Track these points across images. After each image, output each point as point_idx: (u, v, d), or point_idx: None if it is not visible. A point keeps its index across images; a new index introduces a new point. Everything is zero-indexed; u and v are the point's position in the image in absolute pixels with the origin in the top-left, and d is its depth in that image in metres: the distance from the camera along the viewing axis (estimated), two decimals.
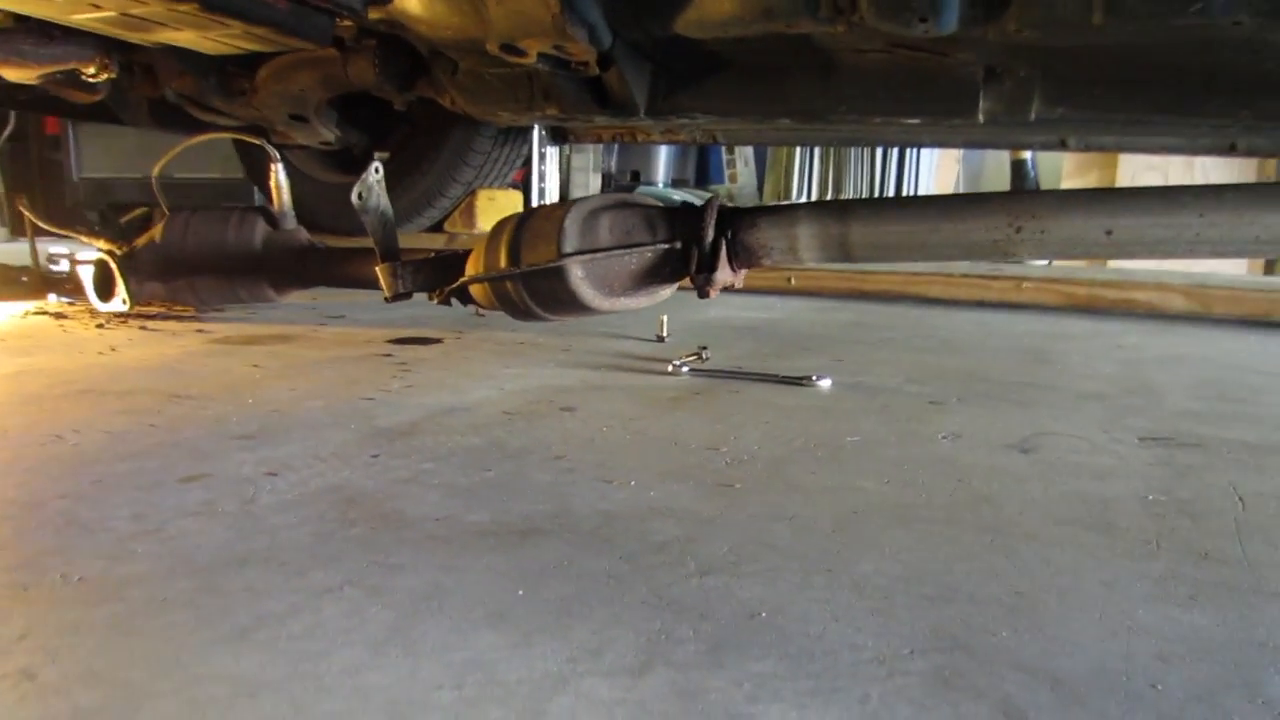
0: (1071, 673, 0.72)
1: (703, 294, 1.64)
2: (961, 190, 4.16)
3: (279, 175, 2.76)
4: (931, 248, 1.54)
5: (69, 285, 2.99)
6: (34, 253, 3.30)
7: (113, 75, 2.73)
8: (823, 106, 2.49)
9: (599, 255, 1.64)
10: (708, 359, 2.05)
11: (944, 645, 0.76)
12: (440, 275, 1.97)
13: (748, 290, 3.28)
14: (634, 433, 1.45)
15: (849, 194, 4.27)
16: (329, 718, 0.66)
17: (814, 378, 1.86)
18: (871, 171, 4.20)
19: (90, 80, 2.75)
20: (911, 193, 4.20)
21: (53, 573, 0.89)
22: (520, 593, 0.86)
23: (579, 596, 0.85)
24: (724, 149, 4.79)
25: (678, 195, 4.62)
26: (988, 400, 1.75)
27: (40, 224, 3.08)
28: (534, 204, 4.69)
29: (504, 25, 2.20)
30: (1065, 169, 4.37)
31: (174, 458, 1.27)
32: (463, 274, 1.89)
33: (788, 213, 1.63)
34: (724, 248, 1.63)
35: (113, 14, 2.17)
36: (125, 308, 2.57)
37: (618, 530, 1.02)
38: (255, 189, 5.02)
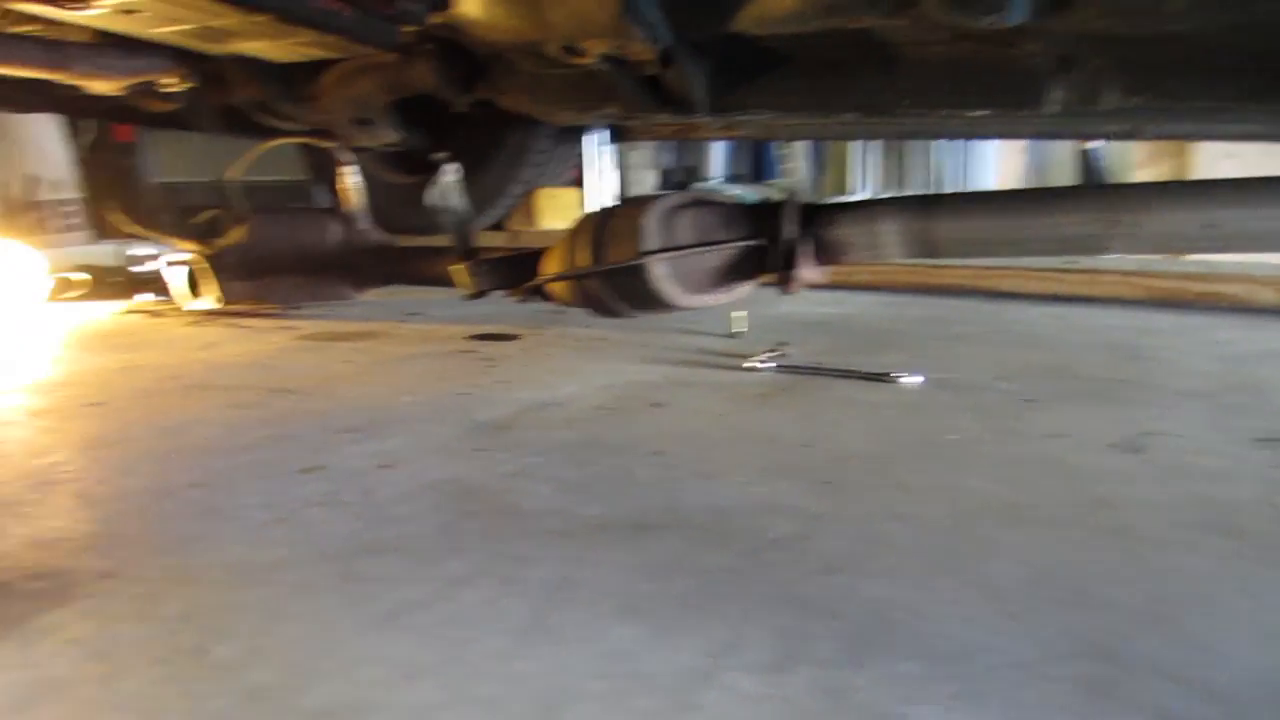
0: (1229, 685, 0.72)
1: (785, 290, 1.65)
2: (1028, 181, 4.10)
3: (352, 178, 2.83)
4: (1021, 243, 1.53)
5: (159, 285, 3.09)
6: (126, 255, 3.41)
7: (192, 86, 2.81)
8: (885, 100, 2.46)
9: (680, 253, 1.66)
10: (789, 355, 2.05)
11: (1086, 652, 0.77)
12: (518, 272, 2.01)
13: (822, 285, 3.27)
14: (727, 429, 1.47)
15: (910, 188, 4.23)
16: (485, 702, 0.68)
17: (899, 374, 1.85)
18: (927, 165, 4.16)
19: (169, 91, 2.83)
20: (975, 185, 4.14)
21: (201, 558, 0.93)
22: (648, 586, 0.88)
23: (706, 591, 0.87)
24: (779, 144, 4.77)
25: (734, 190, 4.61)
26: (1083, 398, 1.73)
27: (129, 229, 3.19)
28: (592, 201, 4.72)
29: (564, 27, 2.22)
30: (1137, 158, 4.28)
31: (289, 450, 1.32)
32: (539, 271, 1.93)
33: (869, 208, 1.63)
34: (804, 245, 1.64)
35: (193, 27, 2.24)
36: (214, 306, 2.66)
37: (731, 526, 1.04)
38: (316, 189, 5.12)
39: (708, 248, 1.69)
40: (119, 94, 2.82)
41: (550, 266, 1.88)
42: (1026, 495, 1.16)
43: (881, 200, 1.67)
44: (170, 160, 6.08)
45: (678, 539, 1.00)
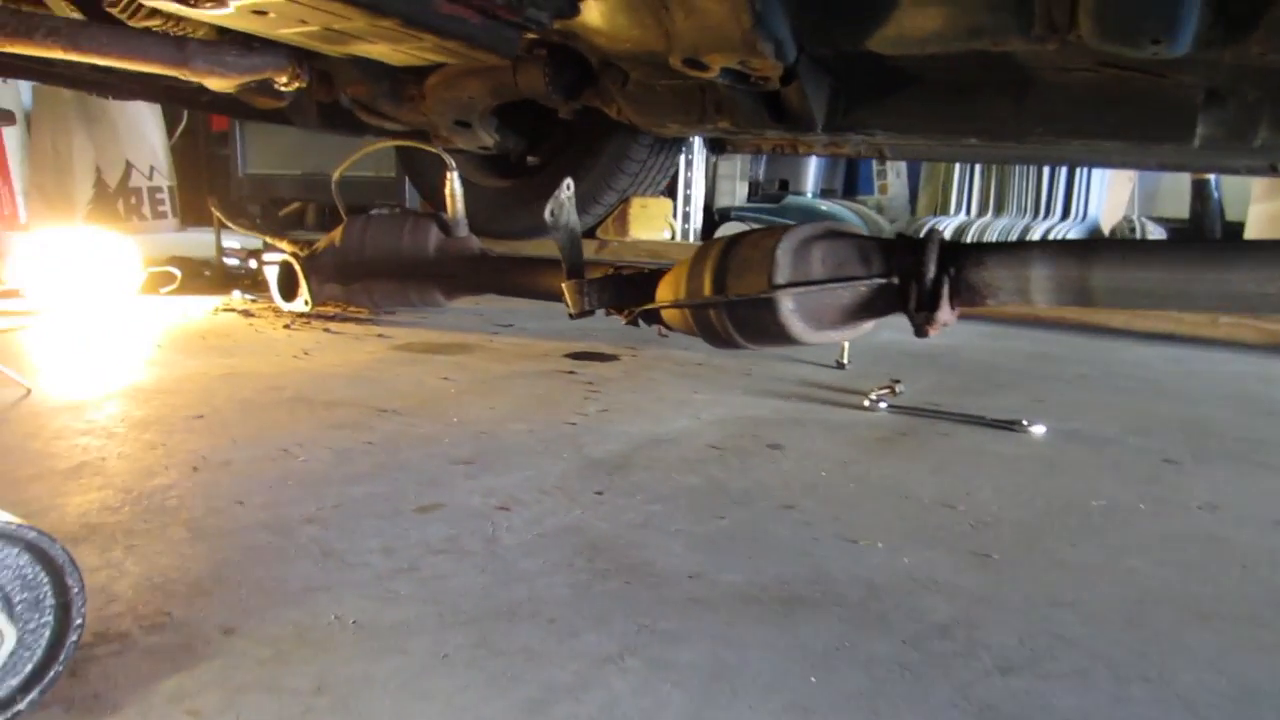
0: None
1: (920, 333, 1.55)
2: (1137, 209, 3.92)
3: (454, 183, 2.79)
4: (1188, 297, 1.41)
5: (254, 283, 3.10)
6: (219, 248, 3.43)
7: (303, 84, 2.81)
8: (1015, 126, 2.35)
9: (812, 288, 1.58)
10: (902, 393, 1.96)
11: None
12: (628, 294, 1.94)
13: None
14: (855, 479, 1.38)
15: (1011, 210, 4.07)
16: None
17: (1025, 422, 1.74)
18: (1038, 190, 3.99)
19: (281, 89, 2.84)
20: (1081, 214, 3.97)
21: (326, 614, 0.88)
22: (813, 680, 0.80)
23: (879, 691, 0.79)
24: (875, 160, 4.64)
25: (824, 205, 4.50)
26: (1228, 461, 1.60)
27: (227, 222, 3.20)
28: (679, 211, 4.66)
29: (690, 39, 2.15)
30: (1254, 191, 4.06)
31: (402, 483, 1.27)
32: (652, 295, 1.86)
33: (1020, 252, 1.53)
34: (946, 285, 1.54)
35: (317, 29, 2.22)
36: (306, 308, 2.65)
37: (888, 605, 0.95)
38: (407, 186, 5.14)
39: (841, 283, 1.60)
40: (233, 90, 2.84)
41: (666, 291, 1.81)
42: (1199, 584, 1.06)
43: (1036, 244, 1.56)
44: (264, 153, 6.18)
45: (833, 619, 0.92)
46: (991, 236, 3.96)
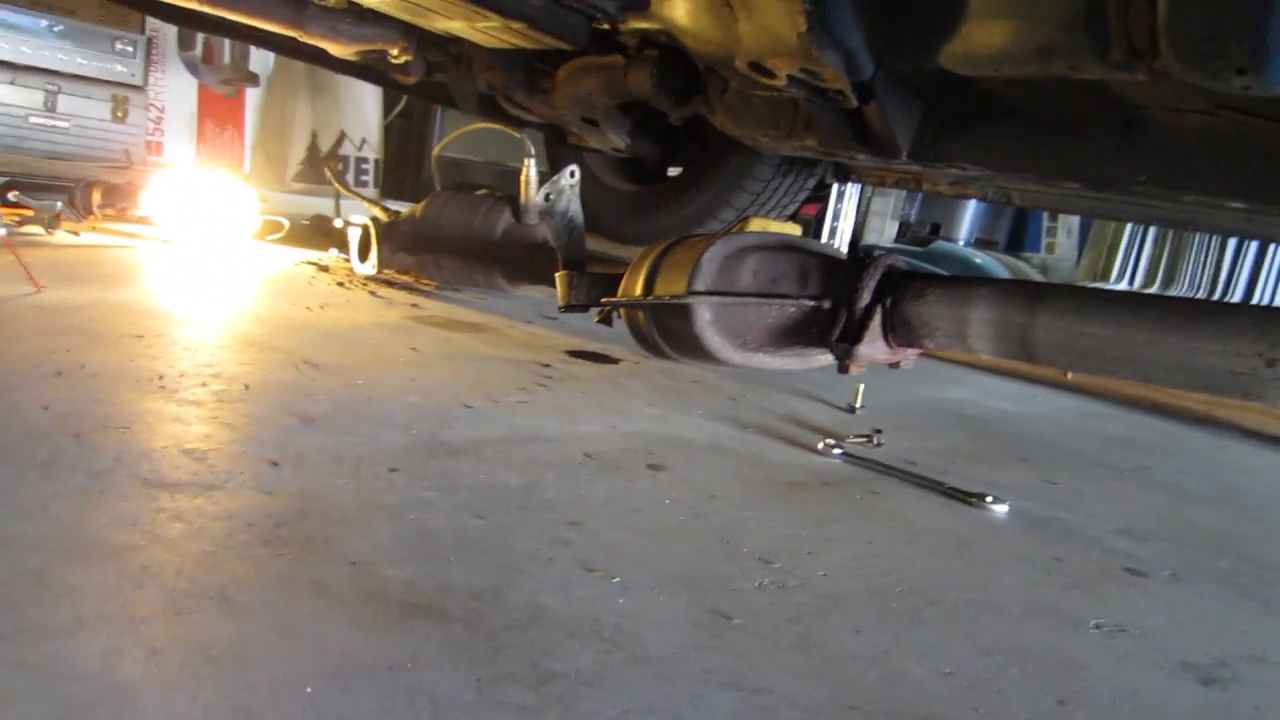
0: None
1: (841, 368, 1.36)
2: None
3: (530, 170, 2.79)
4: (1140, 364, 1.14)
5: (340, 243, 3.25)
6: (337, 209, 3.63)
7: (410, 58, 2.91)
8: (1116, 173, 2.05)
9: (730, 300, 1.42)
10: (880, 445, 1.73)
11: None
12: (613, 292, 1.85)
13: (1014, 374, 2.83)
14: (695, 515, 1.22)
15: (1182, 284, 3.56)
16: None
17: (990, 499, 1.49)
18: (1218, 265, 3.47)
19: (395, 61, 2.95)
20: (1268, 298, 3.41)
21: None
22: (309, 690, 0.69)
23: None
24: (1046, 215, 4.21)
25: (979, 259, 4.14)
26: (1214, 583, 1.29)
27: (338, 184, 3.38)
28: (821, 239, 4.45)
29: (752, 42, 2.03)
30: None
31: (218, 424, 1.25)
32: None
33: (967, 287, 1.31)
34: (879, 317, 1.34)
35: None
36: (374, 271, 2.73)
37: (522, 640, 0.82)
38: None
39: (765, 300, 1.44)
40: (354, 58, 3.00)
41: (621, 291, 1.71)
42: (967, 708, 0.84)
43: (986, 280, 1.34)
44: (459, 137, 6.51)
45: (438, 638, 0.80)
46: None
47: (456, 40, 2.70)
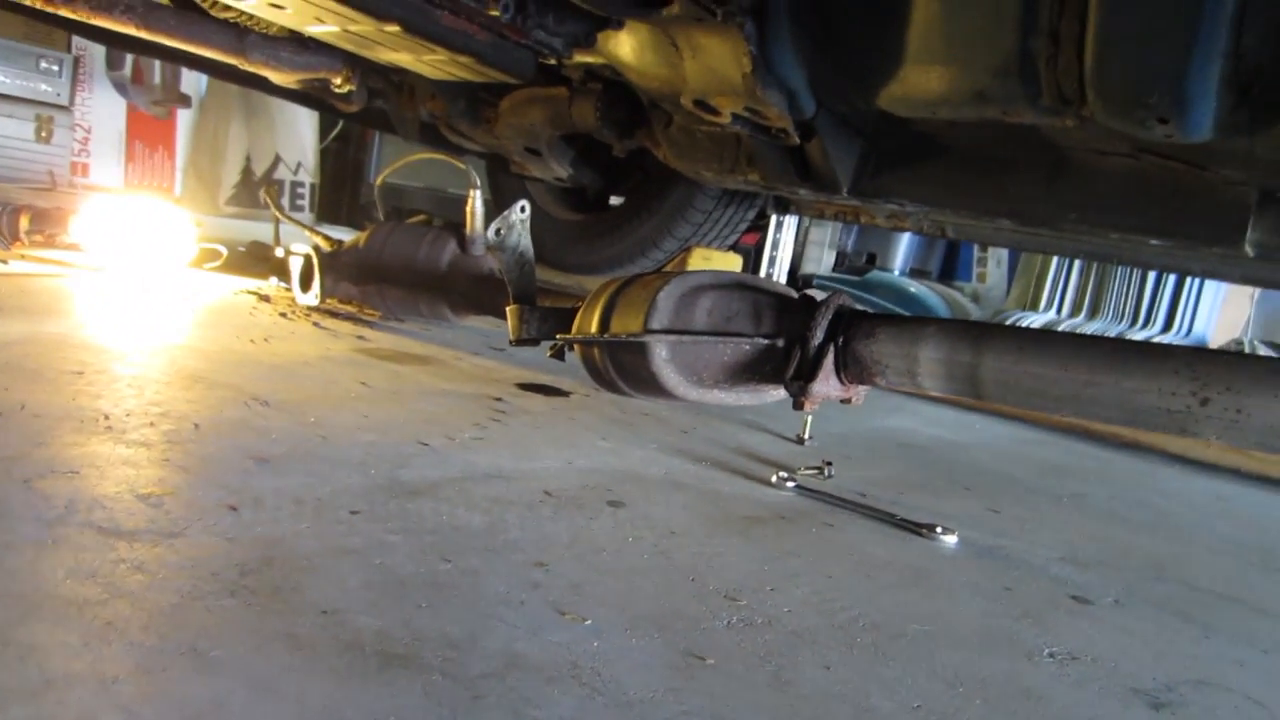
0: None
1: (796, 405, 1.39)
2: (1250, 335, 3.48)
3: (475, 201, 2.79)
4: (1082, 403, 1.19)
5: (280, 272, 3.20)
6: (276, 237, 3.57)
7: (353, 87, 2.89)
8: (1046, 211, 2.14)
9: (686, 338, 1.44)
10: (830, 476, 1.77)
11: None
12: (561, 327, 1.86)
13: (953, 403, 2.91)
14: (660, 553, 1.23)
15: (1107, 314, 3.71)
16: None
17: (939, 529, 1.53)
18: (1139, 295, 3.62)
19: (338, 90, 2.93)
20: (1185, 327, 3.57)
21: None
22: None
23: None
24: (977, 246, 4.35)
25: (913, 287, 4.25)
26: (1158, 610, 1.34)
27: (276, 210, 3.33)
28: (763, 272, 4.53)
29: (697, 81, 2.08)
30: None
31: (171, 467, 1.22)
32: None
33: (915, 327, 1.35)
34: (831, 355, 1.37)
35: (337, 30, 2.28)
36: (316, 301, 2.70)
37: (501, 688, 0.82)
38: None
39: (721, 339, 1.46)
40: (296, 86, 2.97)
41: (576, 326, 1.72)
42: None
43: (932, 321, 1.38)
44: (393, 162, 6.47)
45: (416, 690, 0.79)
46: None
47: (400, 69, 2.70)
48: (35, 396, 1.43)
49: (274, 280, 3.16)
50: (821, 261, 4.68)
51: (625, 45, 2.17)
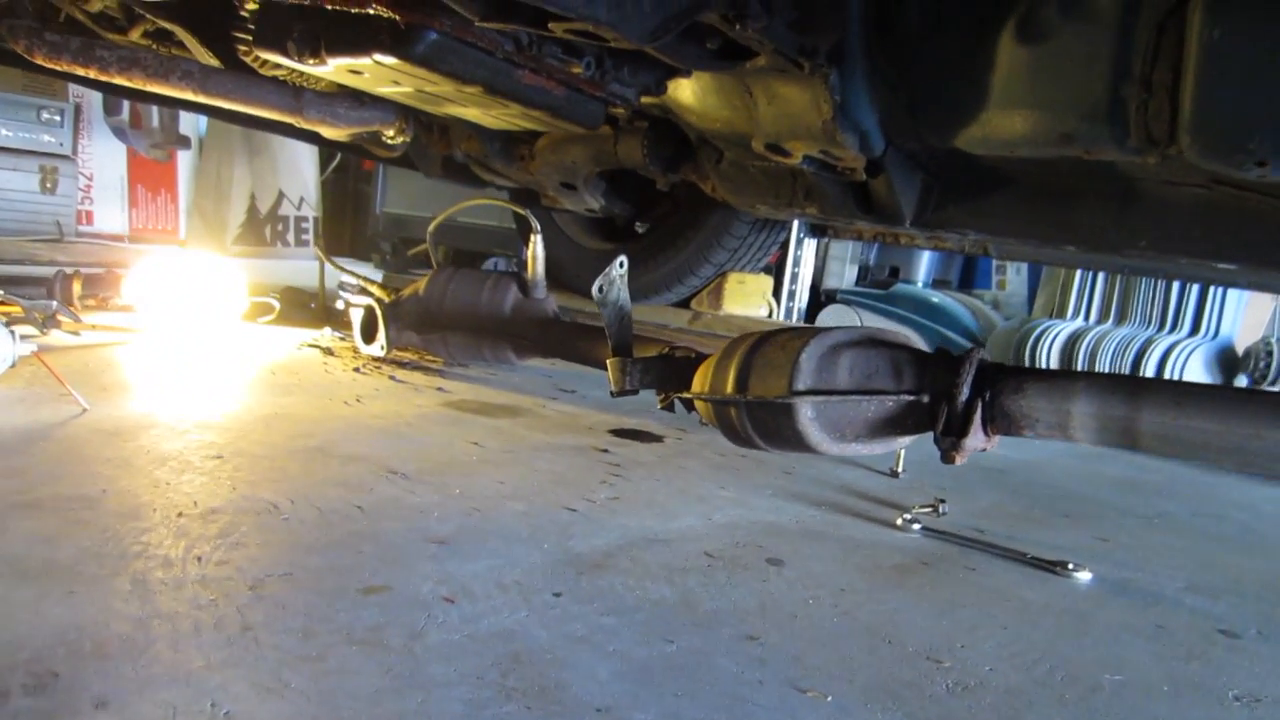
0: None
1: (946, 459, 1.44)
2: (1277, 333, 3.59)
3: (536, 246, 2.83)
4: (1248, 455, 1.25)
5: (342, 321, 3.21)
6: (321, 285, 3.59)
7: (408, 139, 2.92)
8: (1117, 239, 2.19)
9: (834, 398, 1.49)
10: (945, 514, 1.82)
11: None
12: (668, 378, 1.90)
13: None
14: (843, 613, 1.28)
15: (1134, 319, 3.80)
16: None
17: (1071, 565, 1.58)
18: (1165, 300, 3.71)
19: (389, 141, 2.95)
20: (1213, 331, 3.66)
21: (205, 699, 0.86)
22: None
23: None
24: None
25: (936, 298, 4.32)
26: None
27: (328, 260, 3.35)
28: (785, 290, 4.58)
29: (772, 126, 2.12)
30: None
31: (365, 556, 1.25)
32: (690, 380, 1.81)
33: (1065, 383, 1.40)
34: (979, 410, 1.42)
35: (410, 90, 2.31)
36: (383, 353, 2.72)
37: None
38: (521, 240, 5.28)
39: (866, 397, 1.51)
40: (345, 139, 2.99)
41: (698, 381, 1.76)
42: None
43: (1082, 376, 1.43)
44: (402, 193, 6.47)
45: None
46: (1109, 346, 3.70)
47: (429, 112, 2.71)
48: (200, 489, 1.45)
49: (328, 331, 3.17)
50: (844, 277, 4.74)
51: (687, 90, 2.21)
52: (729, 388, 1.60)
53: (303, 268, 5.47)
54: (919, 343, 1.64)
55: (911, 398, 1.48)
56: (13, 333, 1.99)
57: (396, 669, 0.96)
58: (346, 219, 7.62)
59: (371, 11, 1.81)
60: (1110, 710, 1.09)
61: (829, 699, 1.02)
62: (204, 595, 1.08)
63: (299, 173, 6.72)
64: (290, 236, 6.88)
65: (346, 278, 3.86)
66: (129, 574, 1.11)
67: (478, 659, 1.00)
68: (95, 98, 5.58)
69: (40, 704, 0.82)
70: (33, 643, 0.92)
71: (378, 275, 3.96)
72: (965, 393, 1.43)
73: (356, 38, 1.94)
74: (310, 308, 3.59)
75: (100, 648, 0.93)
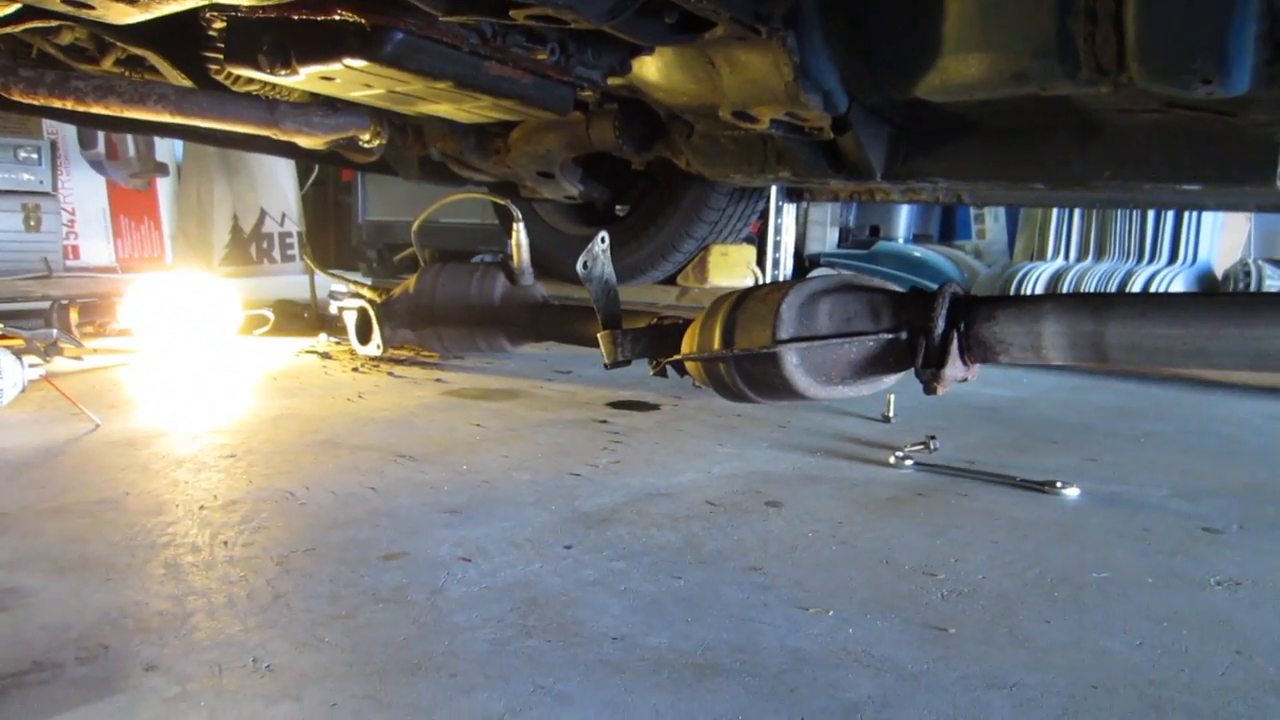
0: None
1: (929, 390, 1.50)
2: (1253, 254, 3.65)
3: (520, 235, 2.88)
4: (1210, 355, 1.32)
5: (336, 326, 3.27)
6: (313, 293, 3.64)
7: (383, 141, 2.97)
8: (1082, 171, 2.25)
9: (816, 343, 1.55)
10: (936, 449, 1.88)
11: None
12: (658, 345, 1.95)
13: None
14: (841, 542, 1.34)
15: (1113, 254, 3.86)
16: None
17: (1059, 484, 1.65)
18: (1142, 232, 3.78)
19: (365, 145, 3.00)
20: (1191, 257, 3.73)
21: (246, 656, 0.92)
22: None
23: None
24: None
25: (918, 252, 4.39)
26: (1277, 529, 1.47)
27: (318, 269, 3.40)
28: (769, 258, 4.64)
29: (738, 94, 2.17)
30: None
31: (382, 529, 1.31)
32: (679, 344, 1.87)
33: (1033, 306, 1.46)
34: (955, 340, 1.49)
35: (383, 92, 2.36)
36: (379, 352, 2.77)
37: (805, 679, 0.92)
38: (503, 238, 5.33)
39: (847, 339, 1.57)
40: (322, 148, 3.03)
41: (688, 344, 1.82)
42: (1174, 669, 0.98)
43: (1049, 297, 1.50)
44: (384, 200, 6.51)
45: (740, 690, 0.90)
46: (1091, 282, 3.77)
47: (402, 114, 2.76)
48: (218, 485, 1.51)
49: (324, 336, 3.23)
50: (825, 240, 4.81)
51: (652, 67, 2.26)
52: (716, 344, 1.66)
53: (292, 282, 5.51)
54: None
55: (890, 336, 1.54)
56: (21, 360, 2.05)
57: (422, 620, 1.02)
58: (330, 231, 7.65)
59: (338, 18, 1.86)
60: (1098, 602, 1.15)
61: (830, 613, 1.08)
62: (234, 573, 1.14)
63: (279, 189, 6.75)
64: (276, 253, 6.92)
65: (337, 285, 3.92)
66: (160, 560, 1.17)
67: (498, 606, 1.07)
68: (70, 133, 5.62)
69: (94, 671, 0.89)
70: (80, 623, 0.99)
71: (367, 282, 4.01)
72: (941, 325, 1.49)
73: (325, 44, 1.99)
74: (304, 318, 3.65)
75: (143, 623, 0.99)
